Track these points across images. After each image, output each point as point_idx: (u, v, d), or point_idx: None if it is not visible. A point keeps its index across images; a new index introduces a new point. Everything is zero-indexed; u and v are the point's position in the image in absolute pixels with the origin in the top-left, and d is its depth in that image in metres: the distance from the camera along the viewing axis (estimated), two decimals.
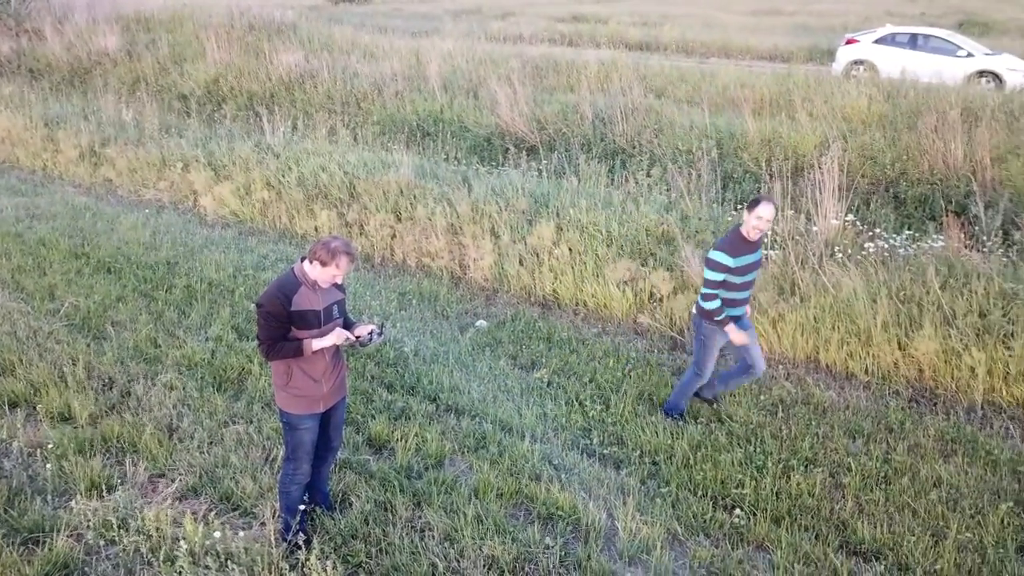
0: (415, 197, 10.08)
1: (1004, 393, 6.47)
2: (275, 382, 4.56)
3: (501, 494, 5.25)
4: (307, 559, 4.32)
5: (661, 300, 8.11)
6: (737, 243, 5.58)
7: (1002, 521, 5.01)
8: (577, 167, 10.93)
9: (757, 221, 5.47)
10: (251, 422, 5.99)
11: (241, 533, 4.69)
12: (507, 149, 12.36)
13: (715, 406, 6.33)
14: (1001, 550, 4.76)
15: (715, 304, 5.63)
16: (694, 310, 5.91)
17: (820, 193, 8.76)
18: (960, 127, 10.56)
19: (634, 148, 11.95)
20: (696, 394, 6.27)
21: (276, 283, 4.43)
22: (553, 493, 5.21)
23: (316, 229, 10.25)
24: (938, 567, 4.64)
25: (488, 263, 8.99)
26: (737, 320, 5.80)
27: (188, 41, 18.82)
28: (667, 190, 10.04)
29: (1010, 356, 6.52)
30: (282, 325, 4.35)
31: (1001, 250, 8.05)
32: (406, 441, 5.75)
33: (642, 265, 8.47)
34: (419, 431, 5.88)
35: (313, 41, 18.47)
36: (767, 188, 9.53)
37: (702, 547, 4.83)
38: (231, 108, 15.43)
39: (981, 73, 17.21)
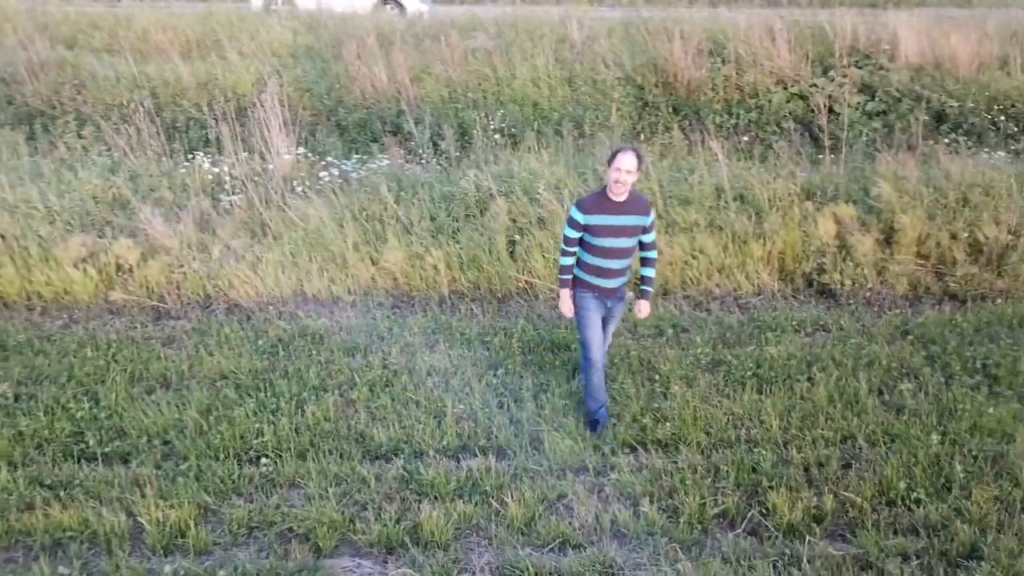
0: None
1: (463, 281, 7.49)
2: None
3: None
4: None
5: (131, 270, 7.43)
6: (596, 199, 5.03)
7: (485, 384, 5.88)
8: None
9: (616, 174, 4.85)
10: None
11: None
12: None
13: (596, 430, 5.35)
14: (487, 409, 5.60)
15: (563, 260, 5.17)
16: None
17: (268, 131, 8.82)
18: (379, 52, 11.50)
19: (55, 108, 10.49)
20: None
21: None
22: (54, 516, 4.53)
23: None
24: (444, 443, 5.28)
25: None
26: (601, 294, 5.17)
27: None
28: (107, 150, 9.09)
29: (460, 249, 7.53)
30: None
31: (435, 159, 9.15)
32: None
33: (100, 237, 7.62)
34: None
35: None
36: (215, 132, 9.23)
37: (237, 508, 4.71)
38: None
39: (385, 1, 18.87)
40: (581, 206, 4.99)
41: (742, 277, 7.44)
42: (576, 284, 5.20)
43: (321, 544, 4.43)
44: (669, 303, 7.21)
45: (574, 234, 5.05)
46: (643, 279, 5.37)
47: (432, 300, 7.35)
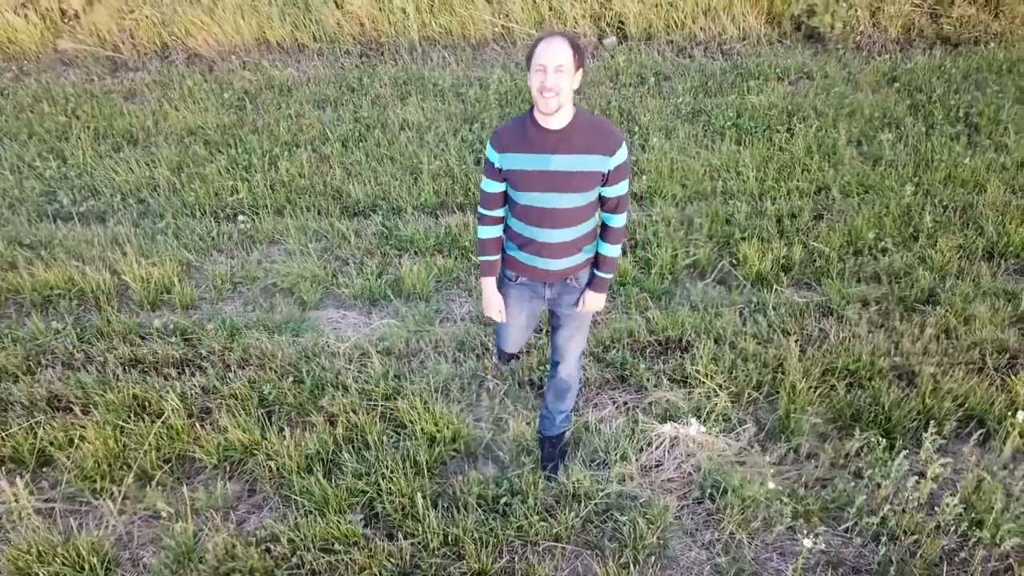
0: None
1: (433, 26, 7.07)
2: None
3: None
4: None
5: (77, 16, 6.93)
6: (516, 129, 2.83)
7: (461, 139, 5.77)
8: None
9: (539, 77, 2.65)
10: None
11: None
12: None
13: (552, 478, 3.42)
14: (464, 165, 5.54)
15: (480, 232, 3.09)
16: None
17: None
18: None
19: None
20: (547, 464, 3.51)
21: None
22: (39, 276, 4.60)
23: None
24: (422, 200, 5.28)
25: None
26: (534, 279, 3.09)
27: None
28: None
29: None
30: None
31: None
32: None
33: None
34: None
35: None
36: None
37: (219, 264, 4.79)
38: None
39: None
40: (496, 139, 2.88)
41: (728, 20, 7.08)
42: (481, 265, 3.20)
43: (306, 298, 4.56)
44: (652, 49, 6.90)
45: (494, 187, 2.96)
46: (597, 260, 3.12)
47: (402, 47, 6.98)
